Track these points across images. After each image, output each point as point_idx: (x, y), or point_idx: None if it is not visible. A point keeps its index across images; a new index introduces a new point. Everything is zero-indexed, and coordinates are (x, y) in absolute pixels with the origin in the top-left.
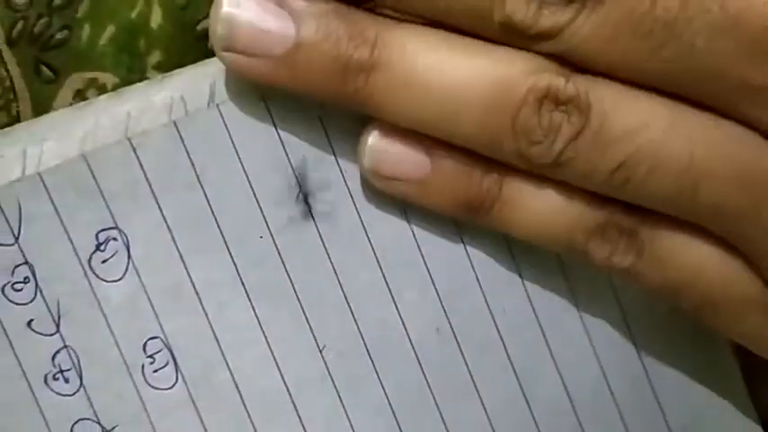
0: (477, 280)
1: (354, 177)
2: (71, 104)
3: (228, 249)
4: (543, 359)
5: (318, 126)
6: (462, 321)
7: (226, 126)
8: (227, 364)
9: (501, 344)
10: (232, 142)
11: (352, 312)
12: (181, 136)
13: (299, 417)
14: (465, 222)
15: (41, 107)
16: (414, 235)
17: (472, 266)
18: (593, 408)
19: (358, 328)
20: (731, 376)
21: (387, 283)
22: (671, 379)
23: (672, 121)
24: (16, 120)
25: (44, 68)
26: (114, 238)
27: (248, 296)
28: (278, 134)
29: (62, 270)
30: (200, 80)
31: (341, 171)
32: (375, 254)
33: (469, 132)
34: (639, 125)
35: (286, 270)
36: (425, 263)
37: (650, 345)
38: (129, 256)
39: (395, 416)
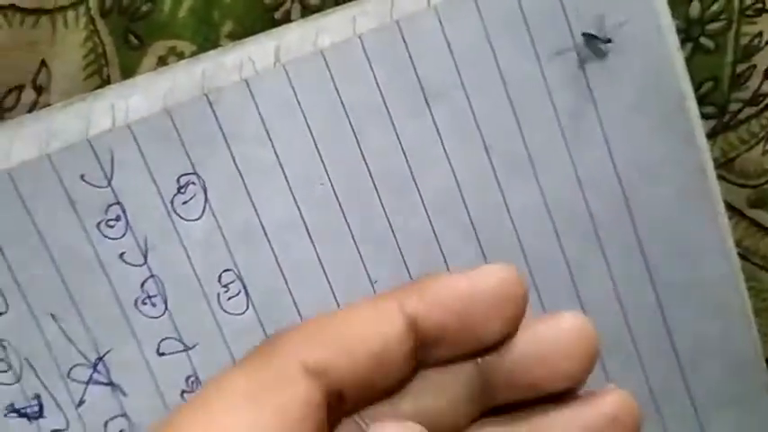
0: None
1: None
2: (154, 69)
3: (293, 194)
4: None
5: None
6: None
7: (290, 83)
8: (291, 295)
9: (533, 284)
10: (296, 98)
11: (400, 251)
12: (251, 92)
13: None
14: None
15: (129, 72)
16: (458, 185)
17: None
18: None
19: (405, 264)
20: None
21: (433, 229)
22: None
23: None
24: (107, 82)
25: (131, 37)
26: (193, 182)
27: (310, 236)
28: (337, 92)
29: (149, 209)
30: (267, 43)
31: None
32: (423, 201)
33: None
34: None
35: (343, 213)
36: (468, 212)
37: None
38: (206, 199)
39: None
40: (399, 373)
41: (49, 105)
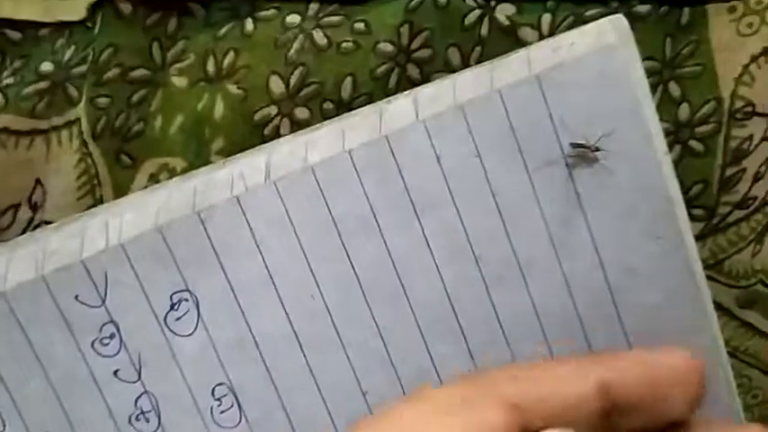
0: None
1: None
2: (146, 186)
3: (284, 307)
4: None
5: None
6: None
7: (281, 199)
8: (284, 406)
9: None
10: (287, 213)
11: (391, 361)
12: (242, 208)
13: None
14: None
15: (121, 189)
16: (447, 295)
17: (499, 321)
18: None
19: (397, 375)
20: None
21: (423, 338)
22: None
23: None
24: (100, 202)
25: (123, 156)
26: (186, 299)
27: (302, 348)
28: (327, 206)
29: (142, 326)
30: (258, 159)
31: None
32: (413, 312)
33: None
34: None
35: (334, 325)
36: (458, 321)
37: None
38: (198, 314)
39: None
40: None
41: (44, 222)
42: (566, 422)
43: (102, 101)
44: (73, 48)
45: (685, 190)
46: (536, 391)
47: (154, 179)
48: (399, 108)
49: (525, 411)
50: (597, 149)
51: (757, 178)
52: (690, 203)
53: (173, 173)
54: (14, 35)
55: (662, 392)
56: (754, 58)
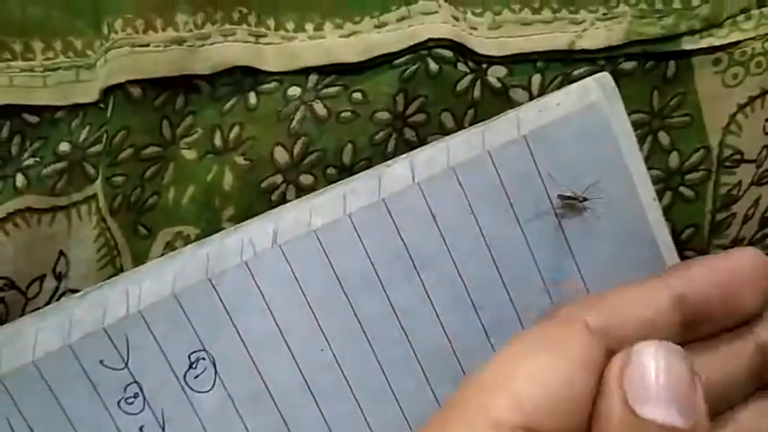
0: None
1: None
2: (163, 254)
3: (296, 361)
4: None
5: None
6: None
7: (288, 262)
8: None
9: None
10: (293, 274)
11: (401, 409)
12: (251, 272)
13: None
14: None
15: (139, 258)
16: (450, 342)
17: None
18: None
19: (407, 421)
20: None
21: (429, 383)
22: None
23: None
24: (120, 270)
25: (140, 228)
26: (203, 358)
27: (314, 398)
28: (331, 266)
29: (164, 385)
30: (266, 226)
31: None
32: (418, 359)
33: None
34: None
35: (344, 374)
36: (461, 366)
37: None
38: (215, 372)
39: None
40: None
41: (69, 290)
42: (649, 338)
43: (118, 179)
44: (88, 128)
45: (677, 234)
46: (616, 313)
47: (170, 247)
48: (396, 172)
49: (609, 335)
50: (585, 200)
51: (746, 220)
52: (682, 247)
53: (187, 240)
54: (32, 119)
55: (735, 291)
56: (740, 108)
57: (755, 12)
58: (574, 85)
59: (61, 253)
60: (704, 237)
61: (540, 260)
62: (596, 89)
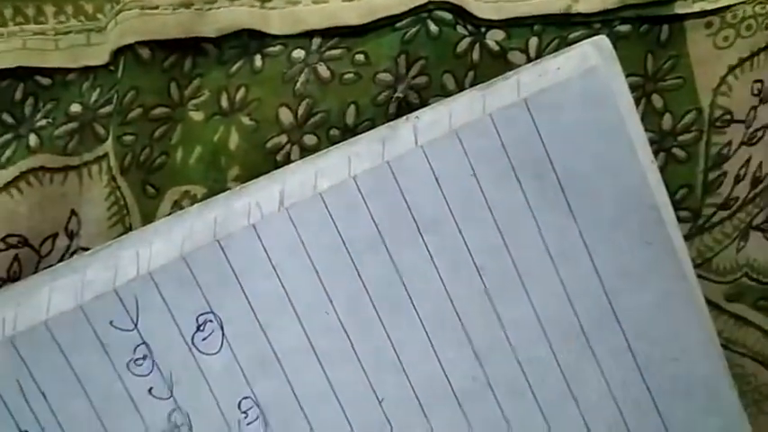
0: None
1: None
2: (171, 213)
3: (302, 324)
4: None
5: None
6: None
7: (294, 225)
8: (305, 416)
9: (530, 391)
10: (300, 237)
11: (403, 369)
12: (258, 235)
13: None
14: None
15: (148, 217)
16: (453, 304)
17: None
18: None
19: (409, 381)
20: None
21: (432, 344)
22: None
23: None
24: (129, 229)
25: (149, 187)
26: (211, 320)
27: (319, 360)
28: (336, 229)
29: (172, 347)
30: (272, 188)
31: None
32: (421, 322)
33: None
34: None
35: (348, 337)
36: (464, 328)
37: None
38: (223, 334)
39: None
40: None
41: (81, 248)
42: None
43: (128, 138)
44: (98, 90)
45: (671, 194)
46: None
47: (177, 206)
48: (400, 135)
49: None
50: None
51: (738, 180)
52: (676, 207)
53: (194, 199)
54: (45, 81)
55: None
56: (730, 69)
57: None
58: (574, 50)
59: (73, 212)
60: (697, 196)
61: (541, 223)
62: (595, 53)
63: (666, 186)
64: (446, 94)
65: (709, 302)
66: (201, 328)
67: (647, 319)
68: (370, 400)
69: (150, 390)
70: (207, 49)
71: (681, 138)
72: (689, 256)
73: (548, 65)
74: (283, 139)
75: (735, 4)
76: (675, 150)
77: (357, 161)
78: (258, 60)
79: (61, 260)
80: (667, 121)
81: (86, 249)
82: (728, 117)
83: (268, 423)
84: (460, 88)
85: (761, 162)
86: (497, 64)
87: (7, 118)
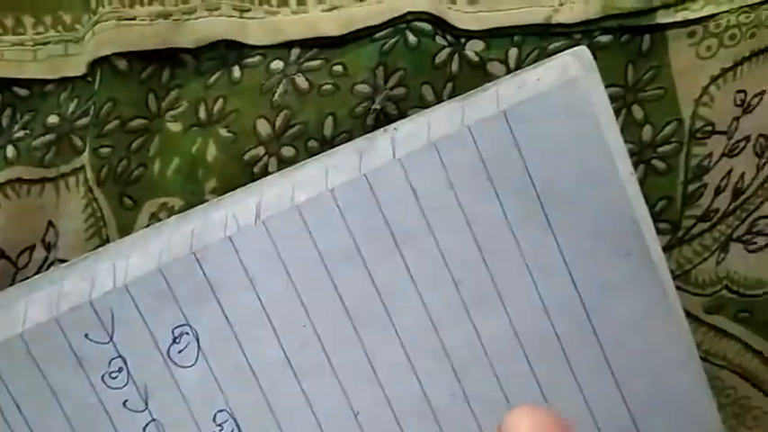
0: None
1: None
2: (148, 225)
3: (278, 337)
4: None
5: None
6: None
7: (271, 238)
8: (281, 429)
9: (508, 406)
10: (276, 250)
11: (380, 383)
12: (235, 248)
13: None
14: (473, 306)
15: (125, 229)
16: (430, 318)
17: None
18: None
19: (385, 395)
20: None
21: (409, 358)
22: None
23: None
24: (107, 241)
25: (126, 199)
26: (187, 333)
27: (295, 374)
28: (313, 242)
29: (147, 360)
30: (249, 201)
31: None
32: (398, 336)
33: None
34: None
35: (325, 351)
36: (442, 343)
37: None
38: (198, 347)
39: None
40: None
41: (58, 260)
42: None
43: (104, 150)
44: (76, 101)
45: (651, 206)
46: None
47: (155, 218)
48: (377, 147)
49: None
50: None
51: (718, 192)
52: (656, 218)
53: (171, 211)
54: (22, 92)
55: None
56: (713, 80)
57: None
58: (553, 61)
59: (50, 223)
60: (677, 208)
61: (519, 236)
62: (575, 64)
63: (646, 198)
64: (424, 105)
65: (688, 314)
66: (177, 340)
67: (625, 332)
68: (345, 413)
69: (125, 402)
70: (185, 60)
71: (661, 149)
72: (668, 268)
73: (527, 76)
74: (261, 150)
75: (719, 13)
76: (655, 162)
77: (334, 173)
78: (236, 71)
79: (38, 272)
80: (647, 133)
81: (64, 261)
82: (710, 128)
83: None
84: (439, 99)
85: (743, 173)
86: (476, 75)
87: None
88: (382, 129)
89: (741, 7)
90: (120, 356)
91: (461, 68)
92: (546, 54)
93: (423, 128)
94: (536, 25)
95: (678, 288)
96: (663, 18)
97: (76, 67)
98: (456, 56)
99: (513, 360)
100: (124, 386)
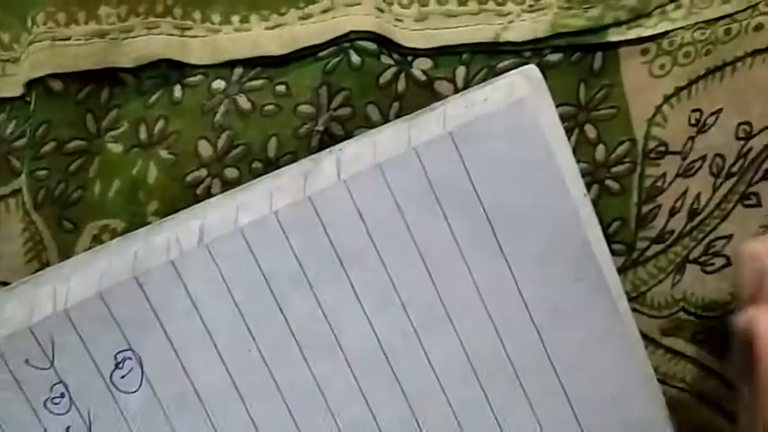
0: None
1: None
2: (90, 247)
3: (224, 362)
4: None
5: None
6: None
7: (214, 261)
8: None
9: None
10: (220, 273)
11: (330, 410)
12: (178, 272)
13: None
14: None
15: (66, 253)
16: (379, 342)
17: (433, 368)
18: None
19: (335, 422)
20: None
21: (359, 384)
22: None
23: None
24: (46, 265)
25: (65, 222)
26: (130, 358)
27: (243, 399)
28: (258, 265)
29: (90, 385)
30: (192, 223)
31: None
32: (347, 361)
33: None
34: None
35: (272, 376)
36: (392, 367)
37: None
38: (142, 372)
39: None
40: None
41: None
42: None
43: (41, 173)
44: (14, 122)
45: (605, 227)
46: None
47: (97, 240)
48: (322, 169)
49: None
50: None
51: (673, 213)
52: (610, 240)
53: (114, 233)
54: None
55: None
56: (666, 99)
57: (686, 0)
58: (501, 80)
59: None
60: (631, 229)
61: (469, 258)
62: (524, 83)
63: (600, 219)
64: (371, 125)
65: (644, 337)
66: (120, 365)
67: (579, 355)
68: None
69: (68, 429)
70: (125, 80)
71: (614, 169)
72: (623, 290)
73: (475, 96)
74: (203, 172)
75: (673, 30)
76: (609, 182)
77: (279, 196)
78: (178, 91)
79: None
80: (601, 152)
81: (5, 284)
82: (663, 149)
83: None
84: (385, 119)
85: (698, 194)
86: (424, 94)
87: None
88: (327, 150)
89: (696, 23)
90: (61, 382)
91: (408, 87)
92: (495, 73)
93: (368, 149)
94: (485, 43)
95: (634, 310)
96: (614, 36)
97: (13, 88)
98: (402, 75)
99: (465, 386)
100: (67, 412)
